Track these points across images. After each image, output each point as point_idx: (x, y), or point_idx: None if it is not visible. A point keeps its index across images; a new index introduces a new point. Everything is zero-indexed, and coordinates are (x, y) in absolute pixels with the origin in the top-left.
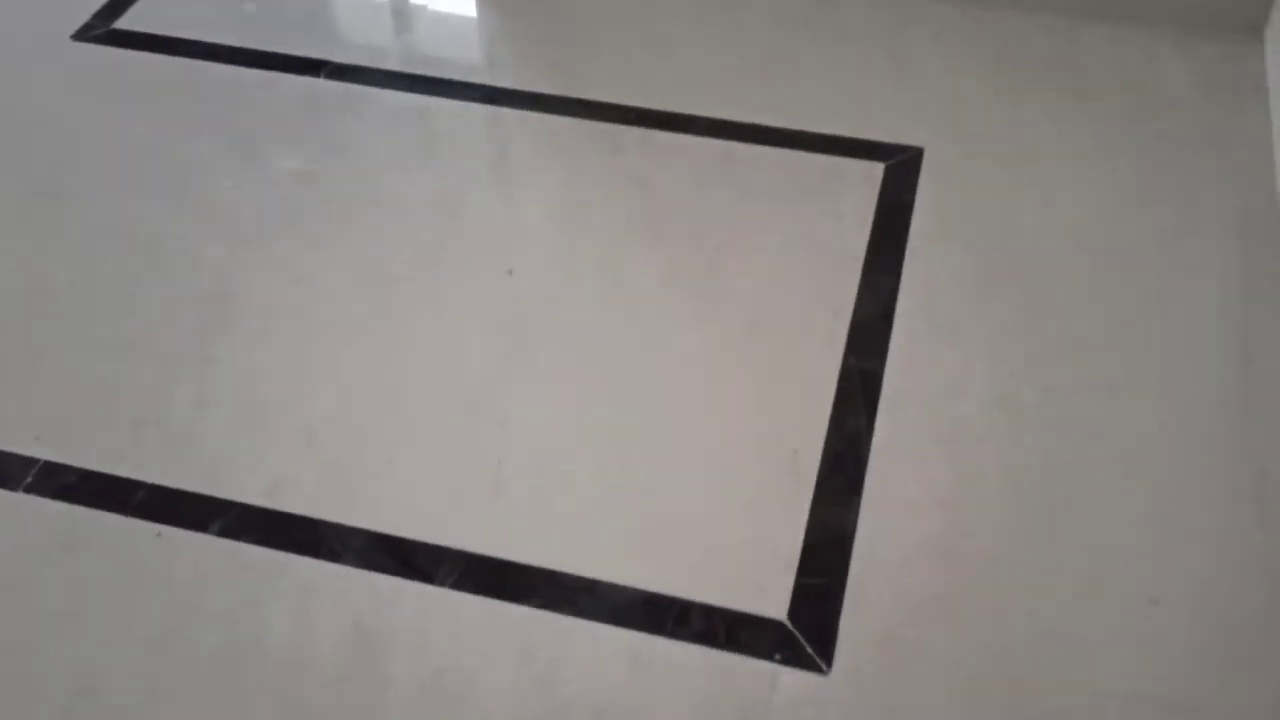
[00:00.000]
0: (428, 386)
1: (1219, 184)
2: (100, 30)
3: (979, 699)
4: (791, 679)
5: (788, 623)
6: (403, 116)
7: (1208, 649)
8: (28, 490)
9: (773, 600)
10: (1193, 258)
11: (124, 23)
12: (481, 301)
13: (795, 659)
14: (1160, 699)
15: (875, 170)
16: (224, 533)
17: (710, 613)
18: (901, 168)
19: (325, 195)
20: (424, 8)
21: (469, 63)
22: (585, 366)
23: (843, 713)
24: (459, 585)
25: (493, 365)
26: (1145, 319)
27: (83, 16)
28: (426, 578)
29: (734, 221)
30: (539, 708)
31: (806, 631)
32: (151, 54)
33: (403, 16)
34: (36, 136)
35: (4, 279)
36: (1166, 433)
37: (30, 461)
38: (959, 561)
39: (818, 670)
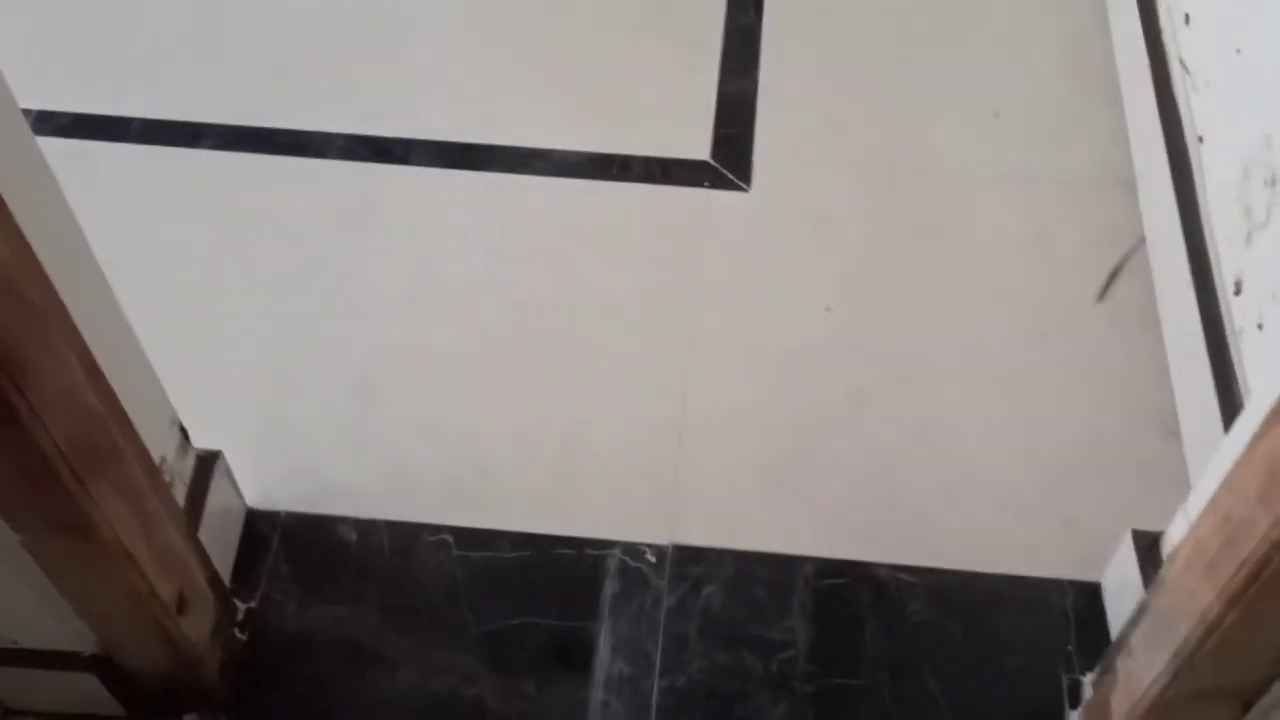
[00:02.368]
0: (368, 19)
1: None
2: None
3: (862, 187)
4: (720, 198)
5: (711, 160)
6: None
7: (1039, 143)
8: None
9: (696, 147)
10: None
11: None
12: None
13: (721, 184)
14: (1003, 175)
15: None
16: (217, 147)
17: (647, 161)
18: None
19: None
20: None
21: None
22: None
23: (763, 215)
24: (431, 164)
25: (423, 10)
26: None
27: None
28: (403, 161)
29: None
30: (513, 230)
31: (728, 164)
32: None
33: None
34: None
35: None
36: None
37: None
38: (841, 101)
39: (740, 189)
